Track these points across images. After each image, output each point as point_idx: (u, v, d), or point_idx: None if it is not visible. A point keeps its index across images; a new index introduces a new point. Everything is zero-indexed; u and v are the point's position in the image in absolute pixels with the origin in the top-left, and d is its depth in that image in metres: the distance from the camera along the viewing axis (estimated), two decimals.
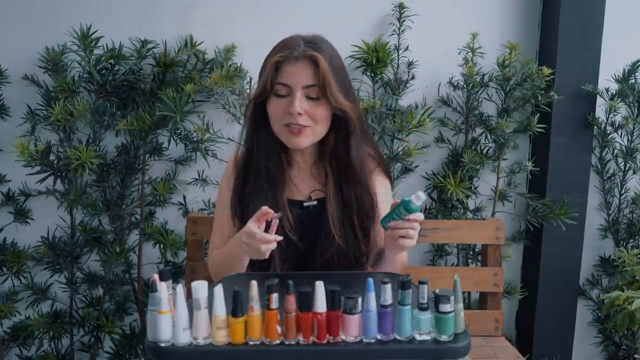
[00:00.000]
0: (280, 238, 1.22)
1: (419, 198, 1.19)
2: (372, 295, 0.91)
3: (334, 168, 1.39)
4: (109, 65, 2.03)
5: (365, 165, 1.42)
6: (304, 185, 1.42)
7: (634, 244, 2.28)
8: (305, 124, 1.30)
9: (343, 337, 0.92)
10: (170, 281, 1.00)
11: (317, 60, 1.27)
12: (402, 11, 2.10)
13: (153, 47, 2.06)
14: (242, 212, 1.40)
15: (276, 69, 1.29)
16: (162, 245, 2.12)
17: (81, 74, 2.03)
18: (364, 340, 0.92)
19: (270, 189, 1.37)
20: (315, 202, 1.41)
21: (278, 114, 1.31)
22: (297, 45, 1.30)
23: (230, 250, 1.36)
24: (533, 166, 2.15)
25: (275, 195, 1.37)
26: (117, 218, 2.12)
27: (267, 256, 1.22)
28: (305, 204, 1.40)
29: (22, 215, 2.16)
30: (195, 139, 2.06)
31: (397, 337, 0.93)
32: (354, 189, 1.38)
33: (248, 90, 2.05)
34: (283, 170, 1.40)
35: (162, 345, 0.91)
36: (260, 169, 1.37)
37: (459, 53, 2.11)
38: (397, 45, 2.12)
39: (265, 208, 1.22)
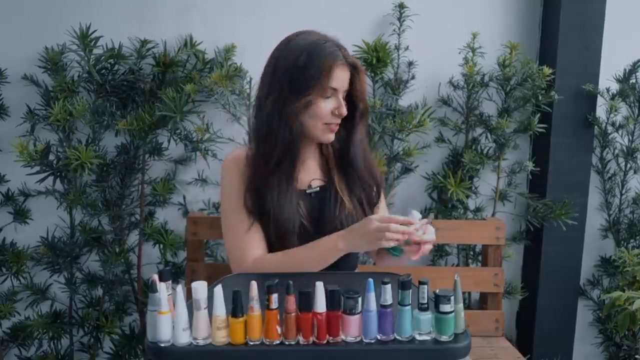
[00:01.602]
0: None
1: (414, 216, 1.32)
2: (372, 295, 0.91)
3: (337, 153, 1.49)
4: (109, 65, 2.03)
5: (368, 152, 1.51)
6: (304, 175, 1.46)
7: (635, 244, 2.28)
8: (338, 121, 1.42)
9: (343, 337, 0.92)
10: (170, 281, 1.00)
11: (357, 67, 1.41)
12: (402, 11, 2.10)
13: (153, 47, 2.06)
14: (260, 206, 1.39)
15: (330, 72, 1.36)
16: (162, 245, 2.12)
17: (81, 73, 2.03)
18: (364, 341, 0.92)
19: (291, 179, 1.40)
20: (318, 188, 1.46)
21: (325, 115, 1.38)
22: (340, 49, 1.39)
23: (322, 248, 1.35)
24: (533, 166, 2.14)
25: (293, 185, 1.40)
26: (117, 218, 2.12)
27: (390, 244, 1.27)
28: (308, 191, 1.45)
29: (21, 216, 2.16)
30: (195, 139, 2.06)
31: (397, 337, 0.93)
32: (358, 170, 1.46)
33: (248, 90, 2.05)
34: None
35: (162, 345, 0.91)
36: (285, 158, 1.39)
37: (459, 53, 2.11)
38: (397, 45, 2.12)
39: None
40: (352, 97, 1.43)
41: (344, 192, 1.46)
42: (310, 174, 1.48)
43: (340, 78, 1.38)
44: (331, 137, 1.43)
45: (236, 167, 1.44)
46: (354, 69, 1.40)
